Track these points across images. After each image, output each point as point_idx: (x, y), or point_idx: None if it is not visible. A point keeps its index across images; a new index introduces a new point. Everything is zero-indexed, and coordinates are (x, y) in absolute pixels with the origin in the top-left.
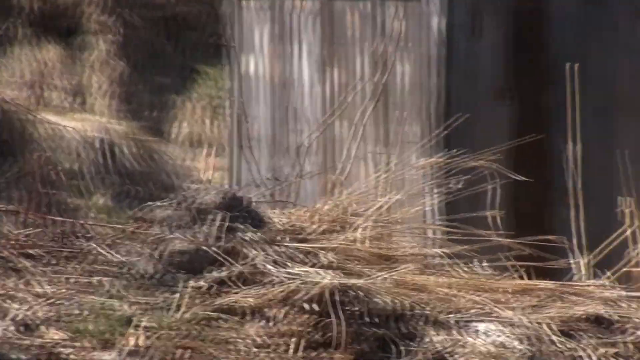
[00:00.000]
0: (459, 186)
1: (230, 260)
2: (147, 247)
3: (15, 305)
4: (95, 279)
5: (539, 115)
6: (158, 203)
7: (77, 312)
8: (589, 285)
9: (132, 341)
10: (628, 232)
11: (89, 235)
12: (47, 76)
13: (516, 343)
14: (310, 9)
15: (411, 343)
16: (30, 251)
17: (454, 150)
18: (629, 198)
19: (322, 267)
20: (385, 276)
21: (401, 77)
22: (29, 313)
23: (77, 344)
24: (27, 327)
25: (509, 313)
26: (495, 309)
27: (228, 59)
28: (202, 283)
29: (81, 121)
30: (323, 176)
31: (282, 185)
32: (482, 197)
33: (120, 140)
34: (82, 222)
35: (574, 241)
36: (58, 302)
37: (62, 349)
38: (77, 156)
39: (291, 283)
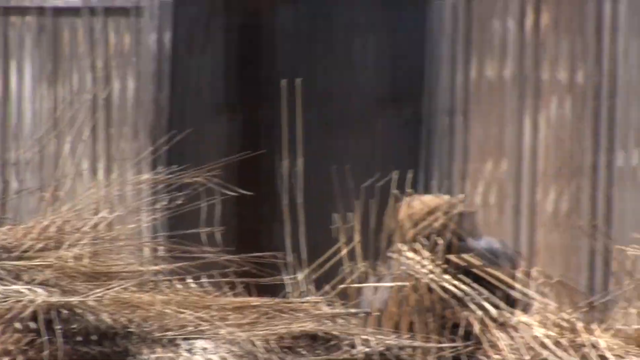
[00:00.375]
0: (179, 202)
1: None
2: None
3: None
4: None
5: (261, 131)
6: None
7: None
8: (306, 302)
9: None
10: (343, 248)
11: None
12: None
13: None
14: (33, 24)
15: None
16: None
17: (174, 166)
18: (346, 214)
19: (39, 284)
20: (100, 294)
21: (124, 92)
22: None
23: None
24: None
25: (225, 330)
26: (212, 326)
27: None
28: None
29: None
30: (40, 193)
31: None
32: (207, 214)
33: None
34: None
35: (293, 257)
36: None
37: None
38: None
39: (3, 302)
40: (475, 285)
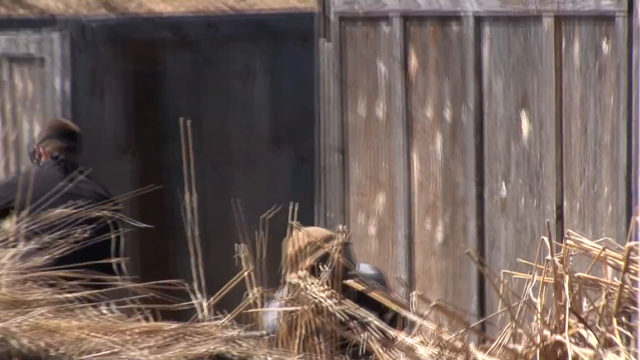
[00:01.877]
0: (87, 235)
1: None
2: None
3: None
4: None
5: (159, 169)
6: None
7: None
8: (209, 326)
9: None
10: (245, 275)
11: None
12: None
13: None
14: None
15: None
16: None
17: (79, 201)
18: (243, 245)
19: None
20: (20, 320)
21: (31, 134)
22: None
23: None
24: None
25: (137, 352)
26: (125, 349)
27: None
28: None
29: None
30: None
31: None
32: (107, 246)
33: None
34: None
35: (195, 285)
36: None
37: None
38: None
39: None
40: (362, 309)
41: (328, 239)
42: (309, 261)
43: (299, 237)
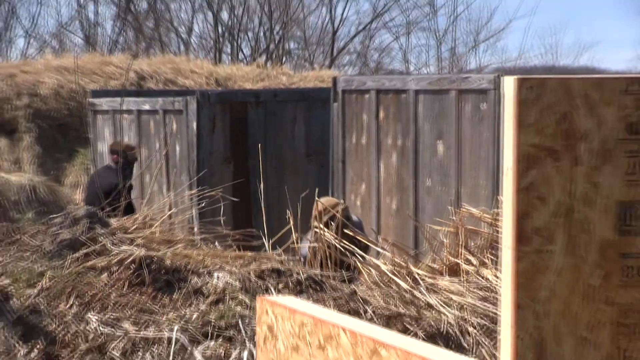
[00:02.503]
0: (203, 205)
1: (90, 243)
2: (49, 237)
3: None
4: (25, 254)
5: (246, 171)
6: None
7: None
8: (270, 254)
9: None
10: (290, 226)
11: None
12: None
13: (236, 283)
14: (130, 118)
15: (183, 283)
16: None
17: (204, 187)
18: (289, 211)
19: (137, 245)
20: (170, 250)
21: (179, 151)
22: None
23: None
24: None
25: (231, 268)
26: (224, 265)
27: (91, 144)
28: (76, 255)
29: (19, 176)
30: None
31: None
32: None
33: (39, 185)
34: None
35: (263, 232)
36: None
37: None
38: (18, 193)
39: (120, 253)
40: (352, 245)
41: (335, 205)
42: (325, 218)
43: (320, 205)
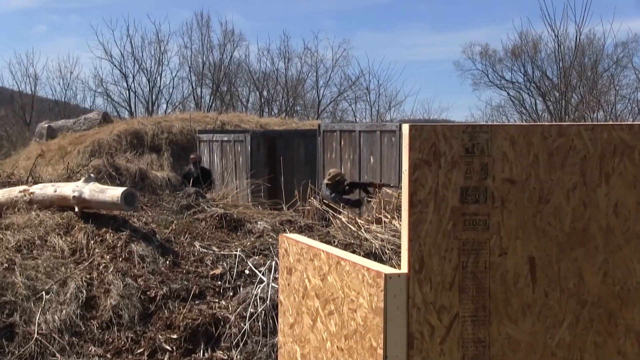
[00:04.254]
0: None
1: (196, 206)
2: (176, 203)
3: None
4: (164, 211)
5: (274, 171)
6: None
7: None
8: (286, 212)
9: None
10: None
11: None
12: None
13: (269, 226)
14: (217, 144)
15: (242, 227)
16: None
17: (253, 179)
18: (302, 186)
19: (219, 207)
20: (235, 210)
21: (241, 161)
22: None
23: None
24: None
25: (266, 218)
26: (263, 217)
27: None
28: (189, 212)
29: (162, 173)
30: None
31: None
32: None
33: (171, 177)
34: (160, 197)
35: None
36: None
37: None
38: (160, 181)
39: (211, 211)
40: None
41: (337, 172)
42: (332, 176)
43: (331, 170)
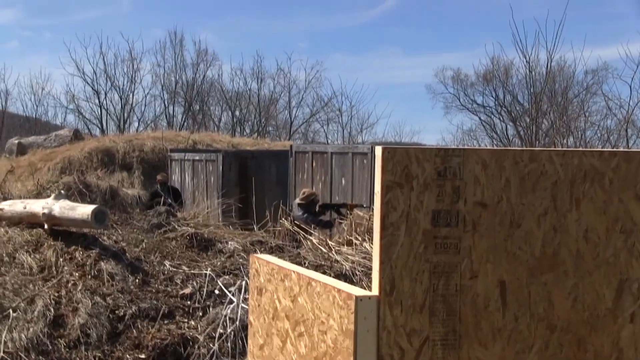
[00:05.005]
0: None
1: (167, 224)
2: (147, 221)
3: None
4: (134, 230)
5: (246, 191)
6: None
7: (128, 237)
8: (258, 233)
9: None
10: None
11: None
12: None
13: (239, 247)
14: (188, 163)
15: (213, 247)
16: None
17: (224, 198)
18: (274, 205)
19: (190, 227)
20: (206, 230)
21: (213, 180)
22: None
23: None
24: None
25: (237, 239)
26: (233, 237)
27: (169, 176)
28: (160, 231)
29: (132, 190)
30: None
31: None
32: (231, 211)
33: (142, 195)
34: (130, 215)
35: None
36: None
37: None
38: (131, 199)
39: (182, 230)
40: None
41: (311, 192)
42: (307, 198)
43: (305, 190)
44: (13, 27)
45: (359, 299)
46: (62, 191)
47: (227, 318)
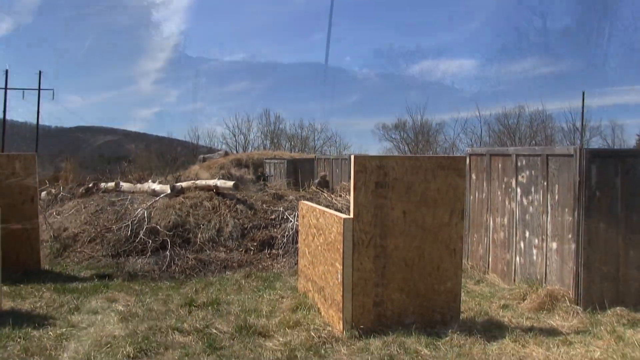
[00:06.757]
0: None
1: (264, 187)
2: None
3: None
4: None
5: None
6: None
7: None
8: (306, 192)
9: None
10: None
11: None
12: None
13: (294, 198)
14: (273, 163)
15: (283, 198)
16: None
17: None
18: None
19: (273, 190)
20: (281, 191)
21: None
22: None
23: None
24: None
25: (293, 195)
26: (290, 194)
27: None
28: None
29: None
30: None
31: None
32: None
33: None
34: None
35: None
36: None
37: None
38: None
39: (272, 191)
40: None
41: (325, 174)
42: (323, 177)
43: (321, 173)
44: None
45: (345, 219)
46: (220, 177)
47: (290, 227)
